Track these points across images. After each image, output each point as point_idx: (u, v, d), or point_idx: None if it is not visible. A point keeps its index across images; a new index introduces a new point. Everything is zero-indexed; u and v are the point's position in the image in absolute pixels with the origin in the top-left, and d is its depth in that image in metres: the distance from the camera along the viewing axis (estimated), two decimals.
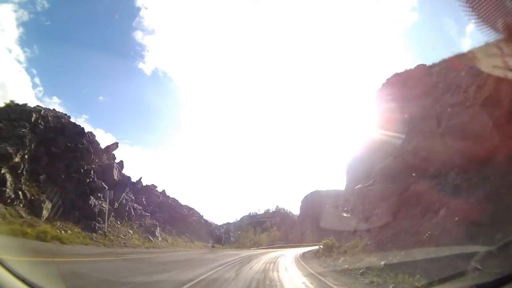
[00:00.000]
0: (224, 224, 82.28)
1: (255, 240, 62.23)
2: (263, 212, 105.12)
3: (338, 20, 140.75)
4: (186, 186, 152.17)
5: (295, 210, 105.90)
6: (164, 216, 42.96)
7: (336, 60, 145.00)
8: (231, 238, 64.29)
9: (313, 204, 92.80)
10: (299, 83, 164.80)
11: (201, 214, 57.81)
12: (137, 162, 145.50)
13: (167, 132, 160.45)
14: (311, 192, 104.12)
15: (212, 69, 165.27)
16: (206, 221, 58.12)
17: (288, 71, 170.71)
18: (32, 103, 37.52)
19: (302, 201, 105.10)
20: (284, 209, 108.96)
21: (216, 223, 71.77)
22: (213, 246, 48.70)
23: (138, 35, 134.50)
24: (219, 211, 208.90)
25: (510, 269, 4.52)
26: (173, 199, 53.26)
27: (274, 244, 60.96)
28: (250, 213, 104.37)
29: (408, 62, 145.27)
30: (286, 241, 68.35)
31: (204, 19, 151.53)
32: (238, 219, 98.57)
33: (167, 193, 53.19)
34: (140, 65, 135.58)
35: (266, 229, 75.49)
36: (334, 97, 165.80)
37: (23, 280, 2.85)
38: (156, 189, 50.69)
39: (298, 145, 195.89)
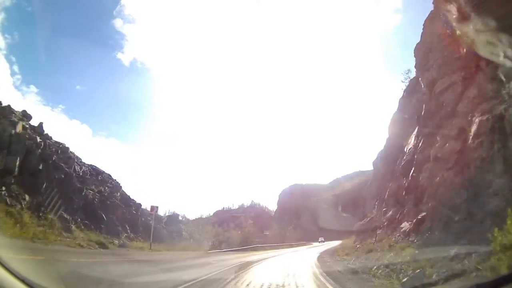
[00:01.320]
0: (196, 219, 73.31)
1: (222, 238, 42.25)
2: (237, 207, 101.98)
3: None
4: (158, 180, 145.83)
5: (272, 206, 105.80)
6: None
7: (311, 54, 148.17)
8: (183, 233, 42.35)
9: (293, 198, 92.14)
10: (274, 77, 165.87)
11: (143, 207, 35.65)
12: (113, 156, 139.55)
13: (144, 125, 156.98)
14: (291, 186, 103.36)
15: (189, 60, 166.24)
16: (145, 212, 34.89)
17: (264, 64, 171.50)
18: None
19: (280, 195, 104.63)
20: (259, 204, 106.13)
21: (189, 218, 66.51)
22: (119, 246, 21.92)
23: (118, 23, 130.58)
24: (194, 206, 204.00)
25: (510, 269, 4.58)
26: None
27: (248, 243, 40.87)
28: (224, 207, 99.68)
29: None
30: (264, 240, 64.10)
31: (185, 9, 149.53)
32: (211, 214, 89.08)
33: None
34: (119, 55, 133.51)
35: (239, 225, 70.43)
36: (311, 91, 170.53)
37: (23, 280, 2.82)
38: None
39: (275, 138, 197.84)
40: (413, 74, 25.12)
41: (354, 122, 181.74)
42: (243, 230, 49.90)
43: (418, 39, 20.97)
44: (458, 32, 9.73)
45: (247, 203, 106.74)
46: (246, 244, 40.33)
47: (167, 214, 51.14)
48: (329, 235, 64.20)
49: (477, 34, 7.83)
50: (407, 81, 27.09)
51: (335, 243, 43.22)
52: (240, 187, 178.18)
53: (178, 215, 55.44)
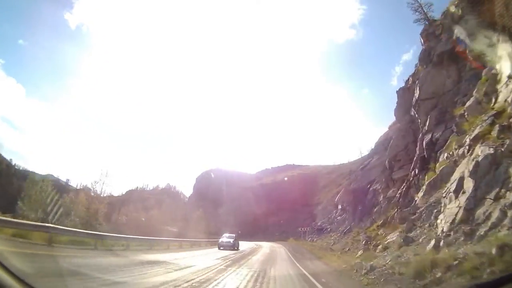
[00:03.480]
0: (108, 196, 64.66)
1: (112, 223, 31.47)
2: (151, 188, 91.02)
3: None
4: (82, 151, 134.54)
5: (188, 191, 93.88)
6: None
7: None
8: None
9: (212, 183, 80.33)
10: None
11: None
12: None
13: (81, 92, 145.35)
14: (209, 170, 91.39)
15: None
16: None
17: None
18: None
19: (197, 178, 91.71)
20: (174, 188, 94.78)
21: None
22: None
23: None
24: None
25: (510, 269, 4.84)
26: None
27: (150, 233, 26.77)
28: (137, 187, 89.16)
29: None
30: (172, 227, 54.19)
31: None
32: (124, 193, 78.41)
33: None
34: (67, 15, 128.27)
35: (149, 208, 60.50)
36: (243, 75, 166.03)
37: (23, 280, 2.82)
38: None
39: (202, 118, 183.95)
40: None
41: (286, 115, 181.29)
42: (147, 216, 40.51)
43: None
44: None
45: (162, 185, 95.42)
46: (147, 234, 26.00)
47: None
48: (252, 233, 55.82)
49: None
50: None
51: (263, 248, 27.46)
52: (160, 167, 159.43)
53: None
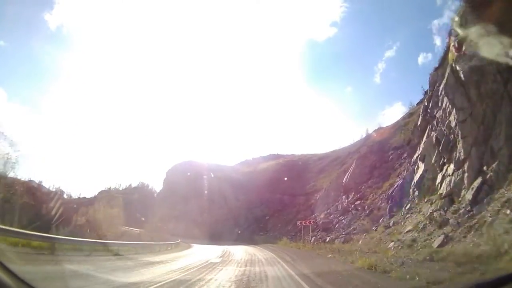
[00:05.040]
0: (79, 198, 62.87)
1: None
2: (124, 187, 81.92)
3: None
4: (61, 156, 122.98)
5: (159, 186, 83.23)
6: None
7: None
8: None
9: (183, 177, 66.61)
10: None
11: None
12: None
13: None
14: (182, 162, 79.66)
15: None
16: None
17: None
18: None
19: (167, 173, 79.97)
20: (147, 186, 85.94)
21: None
22: None
23: None
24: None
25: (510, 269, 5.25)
26: None
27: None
28: (110, 187, 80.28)
29: None
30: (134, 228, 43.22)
31: None
32: (96, 194, 72.04)
33: None
34: (47, 16, 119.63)
35: (113, 208, 52.88)
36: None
37: (23, 280, 2.88)
38: None
39: (175, 110, 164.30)
40: None
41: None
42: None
43: None
44: None
45: (135, 183, 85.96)
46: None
47: None
48: (228, 233, 47.04)
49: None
50: None
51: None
52: (134, 165, 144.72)
53: None
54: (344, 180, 31.07)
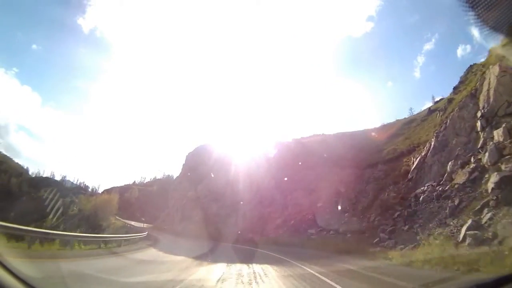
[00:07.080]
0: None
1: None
2: (149, 179, 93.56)
3: None
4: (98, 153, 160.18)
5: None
6: None
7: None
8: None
9: (200, 162, 60.42)
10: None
11: None
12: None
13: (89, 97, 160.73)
14: (197, 147, 72.96)
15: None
16: None
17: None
18: None
19: (186, 157, 73.56)
20: (172, 177, 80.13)
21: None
22: None
23: None
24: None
25: (510, 269, 5.22)
26: None
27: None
28: (134, 181, 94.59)
29: None
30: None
31: None
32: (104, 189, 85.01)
33: None
34: (80, 21, 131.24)
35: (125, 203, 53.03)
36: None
37: (23, 280, 2.81)
38: None
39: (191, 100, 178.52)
40: None
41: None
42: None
43: None
44: None
45: (159, 176, 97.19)
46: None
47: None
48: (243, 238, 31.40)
49: None
50: None
51: None
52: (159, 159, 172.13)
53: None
54: None
